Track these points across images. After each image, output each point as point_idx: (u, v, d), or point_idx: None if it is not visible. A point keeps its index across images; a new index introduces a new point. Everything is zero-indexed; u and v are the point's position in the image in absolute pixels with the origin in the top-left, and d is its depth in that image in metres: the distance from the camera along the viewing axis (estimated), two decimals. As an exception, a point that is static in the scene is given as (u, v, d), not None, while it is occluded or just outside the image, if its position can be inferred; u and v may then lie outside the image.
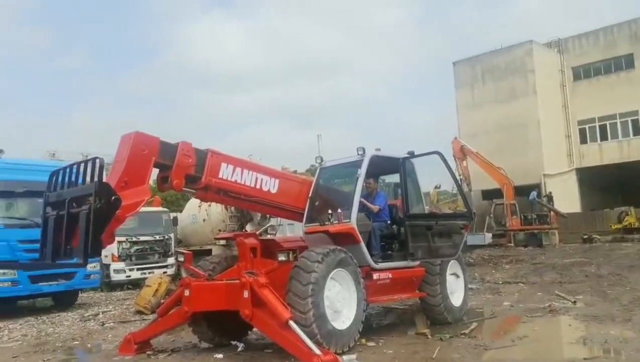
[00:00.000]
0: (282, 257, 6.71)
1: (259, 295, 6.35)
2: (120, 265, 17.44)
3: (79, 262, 6.00)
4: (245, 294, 6.43)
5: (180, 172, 6.58)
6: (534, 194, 29.52)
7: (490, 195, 32.91)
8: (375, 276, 7.54)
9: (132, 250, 17.79)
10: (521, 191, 30.26)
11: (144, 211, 19.64)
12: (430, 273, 8.30)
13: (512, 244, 28.56)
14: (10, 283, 11.66)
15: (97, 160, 5.97)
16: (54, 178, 6.48)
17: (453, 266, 8.79)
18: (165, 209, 20.46)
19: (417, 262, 8.14)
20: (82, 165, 6.17)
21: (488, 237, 21.36)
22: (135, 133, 6.34)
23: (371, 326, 8.81)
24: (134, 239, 17.87)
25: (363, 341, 7.23)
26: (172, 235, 19.07)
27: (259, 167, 7.75)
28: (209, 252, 16.98)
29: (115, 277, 17.34)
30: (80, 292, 14.17)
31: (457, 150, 29.64)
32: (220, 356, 6.98)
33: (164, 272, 16.87)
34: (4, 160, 12.34)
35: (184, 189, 6.95)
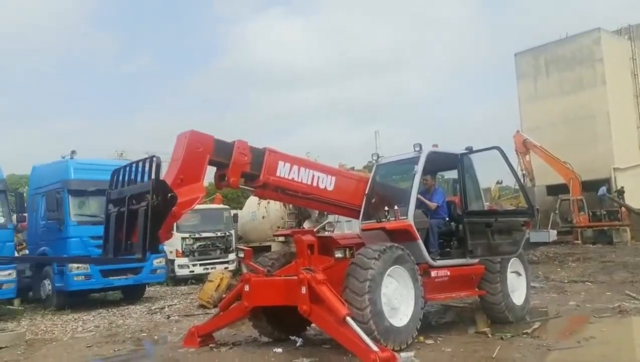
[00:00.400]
0: (338, 254, 6.78)
1: (317, 291, 6.43)
2: (184, 260, 18.05)
3: (138, 257, 6.16)
4: (303, 290, 6.53)
5: (236, 170, 6.75)
6: (603, 189, 28.19)
7: (555, 190, 31.65)
8: (433, 273, 7.47)
9: (195, 246, 18.36)
10: (589, 186, 28.95)
11: (206, 208, 20.37)
12: (490, 271, 8.12)
13: (580, 242, 27.39)
14: (83, 277, 12.35)
15: (154, 159, 6.18)
16: (115, 176, 6.73)
17: (514, 264, 8.55)
18: (226, 207, 20.99)
19: (477, 260, 8.00)
20: (141, 163, 6.40)
21: (553, 234, 20.56)
22: (191, 132, 6.52)
23: (430, 323, 8.74)
24: (197, 235, 18.44)
25: (421, 338, 7.18)
26: (232, 231, 19.55)
27: (316, 165, 7.85)
28: (268, 248, 17.32)
29: (180, 272, 17.95)
30: (147, 286, 14.79)
31: (520, 145, 28.71)
32: (279, 350, 7.13)
33: (225, 268, 17.34)
34: (76, 161, 13.03)
35: (241, 186, 7.12)
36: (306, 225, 18.52)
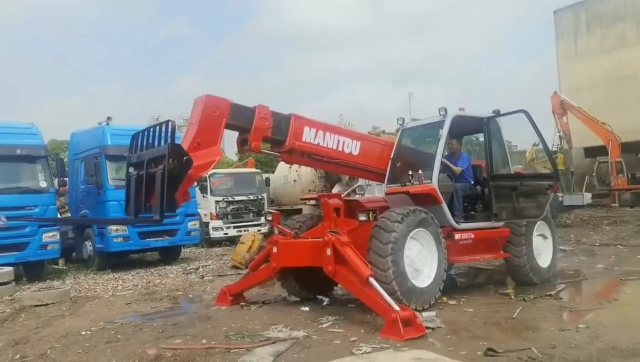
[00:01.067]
0: (362, 217, 6.95)
1: (341, 253, 6.62)
2: (218, 223, 18.58)
3: (156, 218, 6.31)
4: (328, 251, 6.73)
5: (258, 134, 6.91)
6: (646, 150, 27.32)
7: (594, 152, 30.81)
8: (457, 236, 7.58)
9: (229, 209, 18.85)
10: (630, 148, 28.10)
11: (239, 172, 20.81)
12: (516, 234, 8.17)
13: (617, 205, 26.75)
14: (122, 239, 12.92)
15: (170, 123, 6.32)
16: (135, 141, 6.90)
17: (540, 227, 8.56)
18: (259, 171, 21.34)
19: (502, 223, 8.05)
20: (157, 128, 6.56)
21: (587, 197, 20.22)
22: (206, 96, 6.63)
23: (456, 285, 8.91)
24: (230, 199, 18.90)
25: (445, 299, 7.36)
26: (264, 195, 19.94)
27: (341, 129, 7.96)
28: (299, 211, 17.60)
29: (214, 234, 18.52)
30: (182, 247, 15.34)
31: (557, 106, 27.99)
32: (306, 308, 7.43)
33: (258, 230, 17.75)
34: (113, 127, 13.43)
35: (263, 151, 7.32)
36: (336, 189, 18.71)
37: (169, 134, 6.28)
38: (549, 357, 4.73)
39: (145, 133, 6.74)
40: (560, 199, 19.16)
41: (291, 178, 19.82)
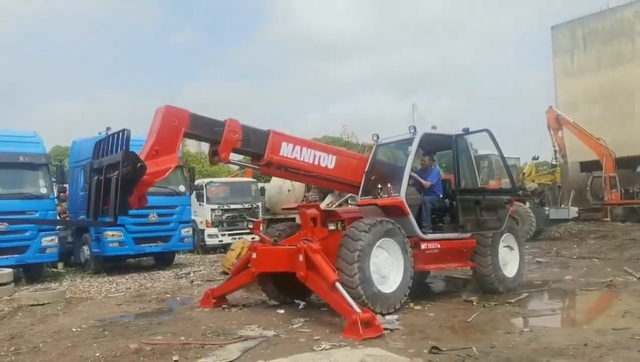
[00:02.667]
0: (331, 227, 7.52)
1: (312, 259, 7.15)
2: (214, 230, 19.16)
3: (110, 221, 6.72)
4: (301, 258, 7.27)
5: (227, 146, 7.42)
6: (640, 167, 27.71)
7: (589, 167, 31.24)
8: (423, 245, 8.11)
9: (224, 217, 19.42)
10: (625, 163, 28.50)
11: (234, 181, 21.41)
12: (482, 245, 8.69)
13: (609, 219, 27.20)
14: (118, 244, 13.50)
15: (125, 132, 6.64)
16: (97, 148, 7.29)
17: (507, 239, 9.09)
18: (254, 180, 21.93)
19: (469, 234, 8.58)
20: (115, 136, 6.89)
21: (573, 211, 20.65)
22: (166, 106, 7.06)
23: (427, 292, 9.42)
24: (226, 207, 19.48)
25: (411, 304, 7.89)
26: (259, 204, 20.51)
27: (317, 145, 8.54)
28: (293, 220, 18.15)
29: (209, 241, 19.09)
30: (177, 253, 15.91)
31: (552, 120, 28.43)
32: (282, 311, 7.98)
33: (252, 238, 18.27)
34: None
35: (232, 162, 7.91)
36: (329, 198, 19.28)
37: (124, 142, 6.62)
38: (484, 355, 5.27)
39: (106, 140, 7.11)
40: (546, 212, 19.64)
41: (285, 188, 20.38)
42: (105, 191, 6.79)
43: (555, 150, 29.12)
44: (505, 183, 19.86)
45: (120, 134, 6.81)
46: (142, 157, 6.67)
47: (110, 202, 6.65)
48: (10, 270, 11.09)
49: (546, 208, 19.73)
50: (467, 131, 8.77)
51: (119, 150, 6.75)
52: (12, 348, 6.38)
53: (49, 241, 12.55)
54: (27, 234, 12.22)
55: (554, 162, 31.11)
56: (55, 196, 13.25)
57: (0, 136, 12.46)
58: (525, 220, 18.97)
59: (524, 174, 27.36)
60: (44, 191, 12.72)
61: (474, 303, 8.05)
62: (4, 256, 11.81)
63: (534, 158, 32.78)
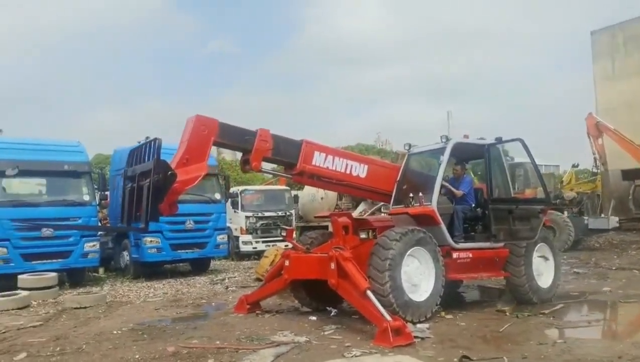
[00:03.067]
0: (362, 235, 7.62)
1: (343, 267, 7.28)
2: (248, 237, 19.45)
3: (142, 227, 6.92)
4: (332, 266, 7.40)
5: (258, 155, 7.60)
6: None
7: (632, 175, 30.40)
8: (455, 254, 8.13)
9: (258, 224, 19.70)
10: (671, 171, 27.55)
11: (269, 189, 21.70)
12: (515, 254, 8.63)
13: (652, 229, 26.33)
14: (156, 250, 13.88)
15: (156, 141, 6.87)
16: (131, 156, 7.52)
17: (541, 249, 9.01)
18: (288, 188, 22.16)
19: (502, 244, 8.54)
20: (148, 145, 7.11)
21: (613, 221, 20.13)
22: (196, 116, 7.24)
23: (460, 301, 9.39)
24: (260, 214, 19.76)
25: (443, 313, 7.92)
26: (293, 211, 20.73)
27: (349, 154, 8.67)
28: (326, 228, 18.30)
29: (244, 248, 19.38)
30: (212, 259, 16.24)
31: (592, 127, 27.73)
32: (314, 318, 8.11)
33: (286, 246, 18.50)
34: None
35: (265, 171, 8.09)
36: (361, 206, 19.36)
37: (155, 151, 6.83)
38: (515, 366, 5.27)
39: (140, 149, 7.34)
40: (585, 222, 19.19)
41: (319, 196, 20.57)
42: (138, 198, 7.00)
43: (595, 158, 28.43)
44: (541, 192, 19.58)
45: (152, 143, 7.04)
46: (173, 166, 6.88)
47: (142, 208, 6.85)
48: (54, 274, 11.56)
49: (585, 217, 19.29)
50: (499, 140, 8.76)
51: (150, 158, 6.96)
52: (58, 348, 6.69)
53: (91, 246, 13.02)
54: (71, 239, 12.68)
55: (594, 170, 30.35)
56: (97, 203, 13.73)
57: (45, 145, 13.02)
58: (563, 230, 18.62)
59: (562, 182, 26.76)
60: (86, 198, 13.20)
61: (507, 313, 8.01)
62: (49, 261, 12.29)
63: (573, 166, 31.98)
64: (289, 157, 7.92)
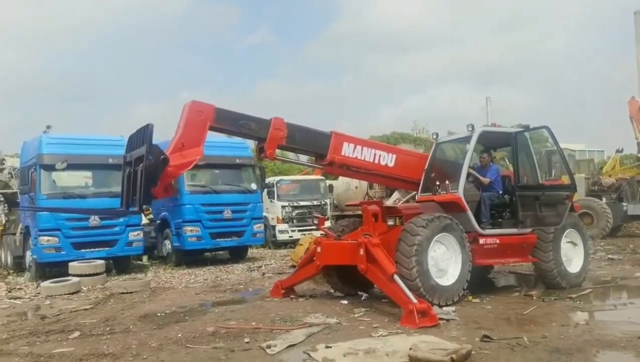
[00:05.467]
0: (390, 222, 7.91)
1: (372, 253, 7.60)
2: (284, 226, 19.98)
3: (134, 210, 7.13)
4: (361, 251, 7.73)
5: (272, 143, 7.84)
6: None
7: (678, 160, 29.47)
8: (482, 240, 8.33)
9: (294, 214, 20.18)
10: None
11: (304, 179, 22.10)
12: (543, 240, 8.75)
13: (698, 216, 25.56)
14: (196, 238, 14.50)
15: (149, 126, 6.98)
16: (129, 142, 7.51)
17: (570, 234, 9.09)
18: (322, 178, 22.52)
19: (529, 230, 8.69)
20: (142, 130, 7.17)
21: (653, 207, 19.72)
22: (191, 102, 7.35)
23: (487, 286, 9.58)
24: (295, 204, 20.23)
25: (470, 297, 8.15)
26: (328, 200, 21.11)
27: (378, 144, 8.96)
28: (360, 216, 18.57)
29: (280, 236, 19.93)
30: (250, 248, 16.80)
31: (635, 111, 27.00)
32: (345, 302, 8.48)
33: (321, 234, 18.90)
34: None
35: (282, 159, 8.54)
36: (395, 195, 19.54)
37: (148, 136, 6.95)
38: (534, 344, 5.51)
39: (135, 135, 7.40)
40: (624, 208, 18.86)
41: (353, 185, 20.81)
42: (134, 183, 7.12)
43: (638, 143, 27.69)
44: (579, 178, 19.33)
45: (145, 128, 7.12)
46: (169, 150, 7.06)
47: (135, 192, 7.04)
48: (102, 261, 12.30)
49: (624, 204, 18.94)
50: (526, 128, 8.87)
51: (144, 144, 7.06)
52: (107, 328, 7.27)
53: (135, 235, 13.73)
54: (117, 229, 13.40)
55: (639, 155, 29.54)
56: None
57: (92, 141, 13.70)
58: (601, 216, 18.37)
59: (601, 168, 26.21)
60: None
61: (534, 297, 8.18)
62: (97, 249, 13.06)
63: (617, 151, 31.21)
64: (309, 145, 8.21)
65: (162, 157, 6.86)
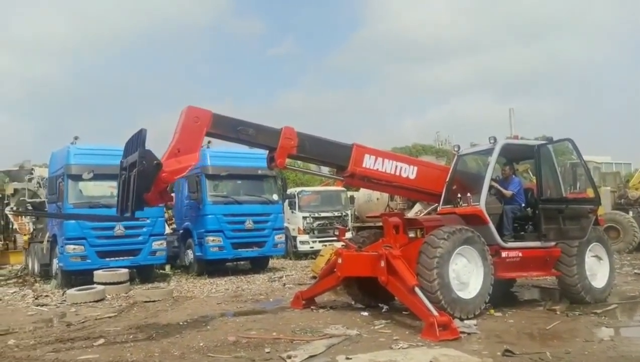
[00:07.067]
0: (411, 234, 7.90)
1: (393, 264, 7.61)
2: (305, 237, 20.02)
3: (127, 216, 6.96)
4: (382, 263, 7.74)
5: (283, 152, 7.84)
6: None
7: None
8: (504, 253, 8.27)
9: (315, 224, 20.22)
10: None
11: (325, 190, 22.14)
12: (567, 254, 8.64)
13: None
14: (218, 248, 14.63)
15: (142, 132, 6.91)
16: (126, 148, 7.37)
17: (595, 248, 8.97)
18: (344, 189, 22.53)
19: (553, 243, 8.59)
20: (136, 136, 7.08)
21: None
22: (188, 107, 7.28)
23: (510, 300, 9.48)
24: (316, 215, 20.28)
25: (492, 311, 8.08)
26: (349, 212, 21.10)
27: (399, 156, 8.98)
28: (381, 228, 18.53)
29: (301, 247, 19.96)
30: (271, 258, 16.88)
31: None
32: (366, 313, 8.47)
33: (343, 245, 18.89)
34: (212, 150, 15.23)
35: (291, 168, 8.57)
36: (417, 206, 19.45)
37: (141, 141, 6.89)
38: (557, 360, 5.45)
39: (131, 141, 7.33)
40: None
41: (374, 196, 20.79)
42: (129, 188, 7.03)
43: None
44: (605, 191, 19.02)
45: (139, 134, 7.06)
46: (165, 156, 7.01)
47: (129, 197, 6.95)
48: (126, 270, 12.49)
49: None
50: (550, 141, 8.81)
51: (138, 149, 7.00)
52: (131, 336, 7.39)
53: (159, 244, 13.92)
54: (140, 238, 13.61)
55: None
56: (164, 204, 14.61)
57: (118, 151, 13.93)
58: (627, 230, 18.04)
59: (628, 181, 25.76)
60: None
61: (557, 312, 8.07)
62: (121, 258, 13.27)
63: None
64: (324, 156, 8.24)
65: (155, 162, 6.82)
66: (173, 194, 16.33)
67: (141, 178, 6.72)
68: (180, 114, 7.37)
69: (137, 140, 7.03)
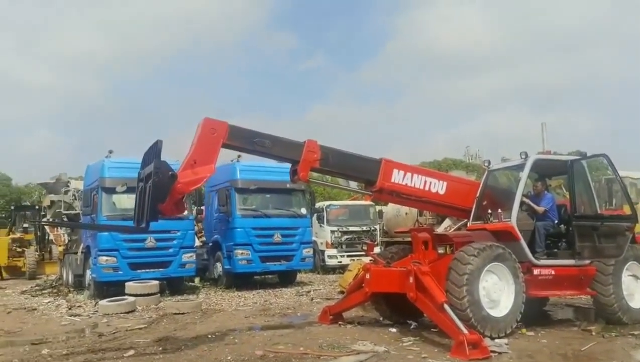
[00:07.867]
0: (440, 250, 7.80)
1: (422, 281, 7.50)
2: (333, 251, 20.00)
3: (142, 227, 7.01)
4: (411, 279, 7.65)
5: (306, 165, 7.79)
6: None
7: None
8: (535, 271, 8.09)
9: (343, 239, 20.18)
10: None
11: (353, 204, 22.12)
12: (602, 273, 8.41)
13: None
14: (246, 261, 14.73)
15: (158, 143, 6.97)
16: (144, 159, 7.40)
17: (632, 267, 8.70)
18: (372, 203, 22.44)
19: (587, 261, 8.37)
20: (153, 148, 7.11)
21: None
22: (205, 119, 7.31)
23: (543, 319, 9.24)
24: (344, 229, 20.24)
25: (524, 330, 7.90)
26: (377, 226, 21.01)
27: (428, 171, 8.92)
28: (409, 243, 18.36)
29: (329, 262, 19.94)
30: (299, 272, 16.88)
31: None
32: (394, 330, 8.38)
33: (370, 260, 18.78)
34: (242, 163, 15.39)
35: (316, 182, 8.12)
36: (446, 222, 19.23)
37: (157, 153, 6.94)
38: (591, 383, 5.27)
39: (148, 152, 7.35)
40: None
41: (403, 211, 20.66)
42: (144, 199, 7.09)
43: None
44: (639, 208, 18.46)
45: (154, 145, 7.12)
46: (181, 167, 7.06)
47: (144, 208, 7.01)
48: (156, 282, 12.66)
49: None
50: (583, 156, 8.63)
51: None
52: (160, 348, 7.47)
53: (188, 257, 14.08)
54: (171, 251, 13.80)
55: None
56: (194, 216, 14.82)
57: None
58: (666, 248, 17.41)
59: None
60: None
61: (593, 333, 7.84)
62: (152, 270, 13.47)
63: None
64: (349, 170, 8.21)
65: (170, 173, 6.87)
66: (203, 207, 16.58)
67: (156, 189, 6.80)
68: (197, 126, 7.43)
69: (154, 152, 7.12)
